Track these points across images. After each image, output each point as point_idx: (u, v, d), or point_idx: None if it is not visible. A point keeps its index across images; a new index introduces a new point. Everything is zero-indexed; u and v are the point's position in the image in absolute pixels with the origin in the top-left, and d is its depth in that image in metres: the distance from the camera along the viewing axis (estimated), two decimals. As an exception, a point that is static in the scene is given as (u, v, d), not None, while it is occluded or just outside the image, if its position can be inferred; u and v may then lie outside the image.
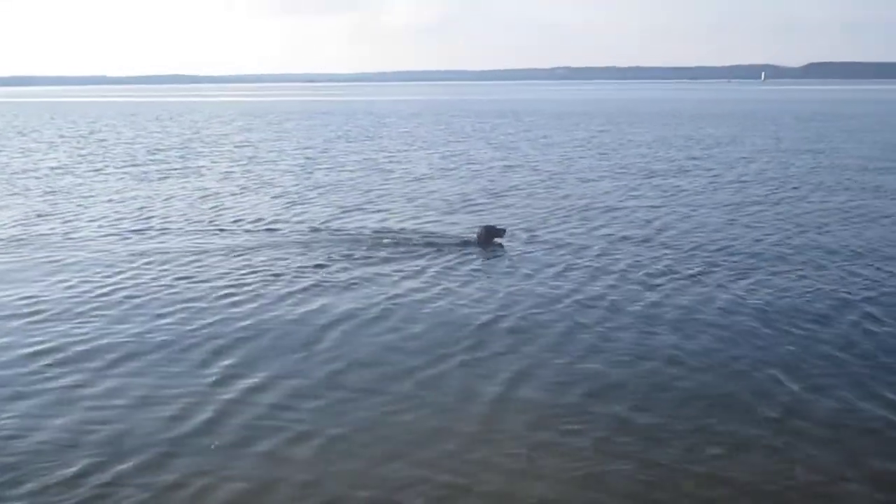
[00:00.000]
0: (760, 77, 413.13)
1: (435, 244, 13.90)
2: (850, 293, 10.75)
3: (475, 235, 14.09)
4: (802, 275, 11.78)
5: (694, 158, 28.44)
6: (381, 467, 6.12)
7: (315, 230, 15.26)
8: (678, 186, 21.24)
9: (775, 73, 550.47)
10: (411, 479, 5.95)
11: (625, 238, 14.41)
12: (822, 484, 5.89)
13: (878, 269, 12.10)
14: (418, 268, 12.18)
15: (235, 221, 16.26)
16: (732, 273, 11.88)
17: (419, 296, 10.71)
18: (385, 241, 14.05)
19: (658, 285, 11.19)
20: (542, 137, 39.54)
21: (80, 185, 22.10)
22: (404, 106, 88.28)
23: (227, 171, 25.23)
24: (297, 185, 21.95)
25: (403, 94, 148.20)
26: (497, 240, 14.00)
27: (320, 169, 25.83)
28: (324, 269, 12.06)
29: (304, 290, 10.97)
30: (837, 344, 8.72)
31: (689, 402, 7.24)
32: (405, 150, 32.53)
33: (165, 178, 23.67)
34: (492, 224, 14.52)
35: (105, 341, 8.86)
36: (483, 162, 27.73)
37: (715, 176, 23.44)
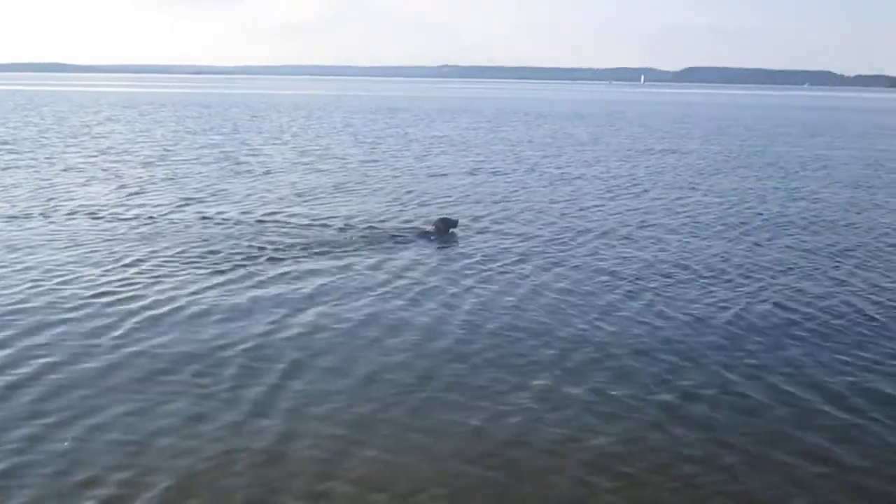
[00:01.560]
0: (640, 80, 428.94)
1: (398, 236, 14.39)
2: (643, 285, 11.76)
3: (433, 227, 14.64)
4: (617, 264, 12.78)
5: (547, 157, 29.66)
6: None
7: (152, 219, 15.37)
8: (523, 182, 22.22)
9: (654, 76, 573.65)
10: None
11: (461, 230, 15.02)
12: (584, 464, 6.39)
13: (697, 279, 13.11)
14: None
15: (73, 212, 16.10)
16: (550, 261, 12.78)
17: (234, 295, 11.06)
18: (349, 233, 14.56)
19: (469, 274, 11.89)
20: (404, 134, 40.20)
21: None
22: (286, 100, 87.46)
23: (76, 162, 24.69)
24: (149, 175, 21.79)
25: (289, 89, 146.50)
26: (452, 230, 14.67)
27: (174, 161, 25.60)
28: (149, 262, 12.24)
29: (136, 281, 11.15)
30: (612, 331, 9.52)
31: (479, 400, 7.52)
32: (267, 144, 32.57)
33: (8, 168, 22.99)
34: (445, 216, 15.25)
35: None
36: (349, 156, 28.15)
37: (562, 173, 24.59)
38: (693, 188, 21.77)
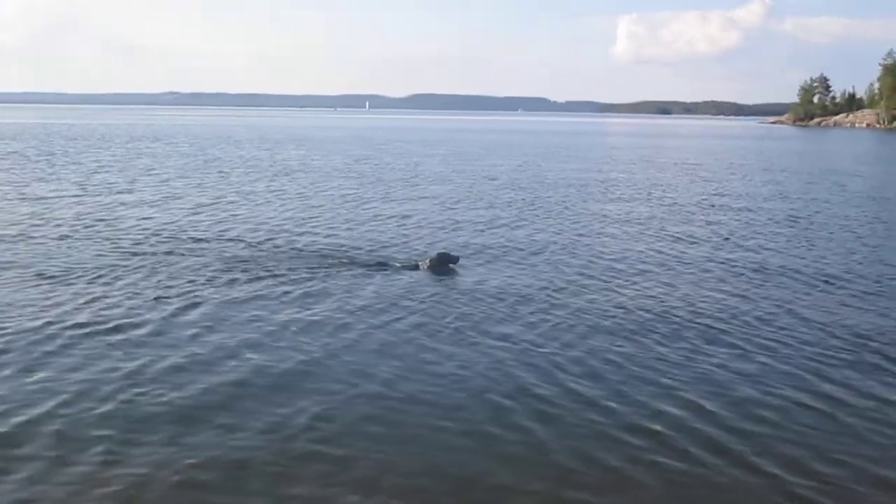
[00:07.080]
0: (365, 106, 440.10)
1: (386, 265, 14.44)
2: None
3: (428, 260, 14.24)
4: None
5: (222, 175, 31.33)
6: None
7: None
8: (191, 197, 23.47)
9: (380, 102, 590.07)
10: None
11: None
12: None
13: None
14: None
15: None
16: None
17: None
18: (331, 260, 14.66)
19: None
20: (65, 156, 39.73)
21: None
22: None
23: None
24: None
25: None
26: (451, 265, 14.25)
27: None
28: None
29: None
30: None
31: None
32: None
33: None
34: (444, 251, 14.79)
35: None
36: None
37: (219, 191, 26.48)
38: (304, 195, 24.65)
